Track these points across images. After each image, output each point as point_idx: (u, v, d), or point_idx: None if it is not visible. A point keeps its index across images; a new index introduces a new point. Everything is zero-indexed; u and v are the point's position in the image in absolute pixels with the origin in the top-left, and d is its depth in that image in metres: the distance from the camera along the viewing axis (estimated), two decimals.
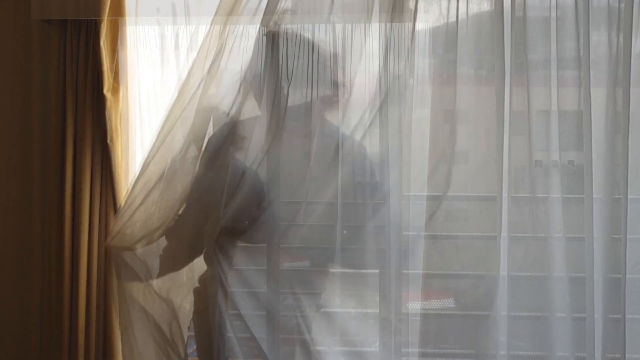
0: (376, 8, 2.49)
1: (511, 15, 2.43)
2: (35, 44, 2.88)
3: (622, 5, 2.40)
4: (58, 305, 2.76)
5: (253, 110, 2.55)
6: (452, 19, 2.47)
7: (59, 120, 2.76)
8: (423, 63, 2.51)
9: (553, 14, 2.44)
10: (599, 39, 2.44)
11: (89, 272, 2.75)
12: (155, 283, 2.66)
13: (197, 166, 2.57)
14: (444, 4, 2.48)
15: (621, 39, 2.41)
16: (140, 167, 2.66)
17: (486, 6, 2.47)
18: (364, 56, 2.51)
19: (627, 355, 2.40)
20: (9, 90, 2.92)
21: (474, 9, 2.45)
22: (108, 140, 2.72)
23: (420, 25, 2.50)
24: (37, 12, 2.73)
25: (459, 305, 2.58)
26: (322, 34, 2.48)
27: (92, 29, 2.72)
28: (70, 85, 2.75)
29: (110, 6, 2.68)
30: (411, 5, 2.48)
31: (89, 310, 2.76)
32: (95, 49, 2.73)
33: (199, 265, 2.66)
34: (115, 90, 2.76)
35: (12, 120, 2.92)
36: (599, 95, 2.43)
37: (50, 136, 2.81)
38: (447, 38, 2.48)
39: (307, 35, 2.51)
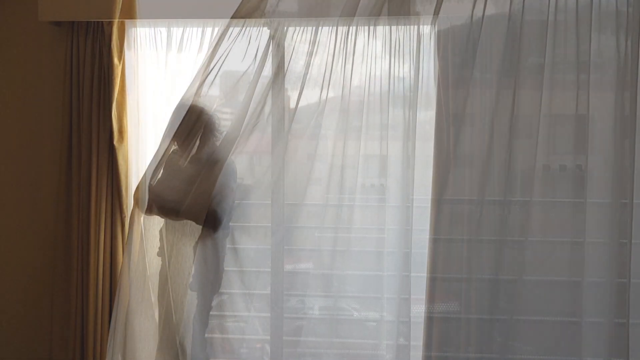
0: (383, 11, 2.49)
1: (509, 18, 2.44)
2: (44, 46, 2.92)
3: (630, 9, 2.40)
4: (67, 304, 2.80)
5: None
6: (459, 22, 2.47)
7: (68, 121, 2.80)
8: (429, 66, 2.51)
9: (561, 17, 2.44)
10: (607, 43, 2.43)
11: (97, 271, 2.78)
12: None
13: (187, 161, 2.54)
14: (451, 8, 2.48)
15: (629, 43, 2.40)
16: None
17: (493, 10, 2.47)
18: (367, 58, 2.51)
19: None
20: (19, 91, 2.96)
21: (479, 13, 2.45)
22: (115, 142, 2.76)
23: (427, 28, 2.50)
24: (45, 14, 2.76)
25: (464, 309, 2.57)
26: (325, 36, 2.48)
27: (98, 30, 2.77)
28: (79, 86, 2.78)
29: (121, 8, 2.72)
30: (418, 8, 2.49)
31: (97, 310, 2.79)
32: (102, 51, 2.76)
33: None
34: (124, 91, 2.79)
35: (23, 121, 2.96)
36: (606, 99, 2.42)
37: (59, 137, 2.85)
38: (453, 41, 2.49)
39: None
